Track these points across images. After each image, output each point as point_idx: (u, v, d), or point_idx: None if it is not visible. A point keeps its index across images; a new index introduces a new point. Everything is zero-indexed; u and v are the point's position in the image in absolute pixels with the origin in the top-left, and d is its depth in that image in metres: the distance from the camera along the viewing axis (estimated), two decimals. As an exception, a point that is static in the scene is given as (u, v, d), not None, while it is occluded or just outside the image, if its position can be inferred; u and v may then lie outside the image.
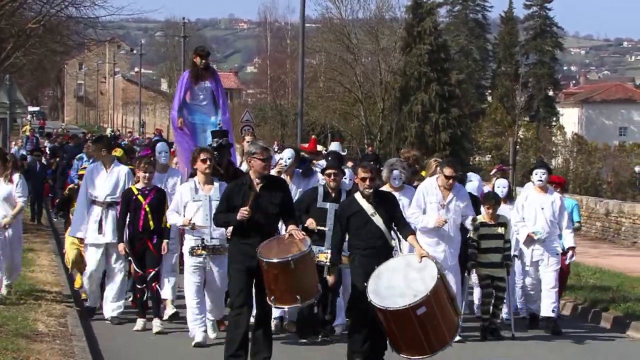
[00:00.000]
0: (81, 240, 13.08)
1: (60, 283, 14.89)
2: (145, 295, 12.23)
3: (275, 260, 9.67)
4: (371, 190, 10.43)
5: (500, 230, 12.77)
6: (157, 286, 12.18)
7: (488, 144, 66.06)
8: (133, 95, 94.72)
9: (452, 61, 67.54)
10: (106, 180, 12.76)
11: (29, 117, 69.55)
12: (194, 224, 11.34)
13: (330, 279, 10.91)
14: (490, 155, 64.06)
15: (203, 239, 11.30)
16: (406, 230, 10.53)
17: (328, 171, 11.96)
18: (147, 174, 12.22)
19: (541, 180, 13.15)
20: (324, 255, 11.39)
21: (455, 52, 78.05)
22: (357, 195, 10.51)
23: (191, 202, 11.46)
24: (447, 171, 12.10)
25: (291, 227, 10.12)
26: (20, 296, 13.36)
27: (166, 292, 12.53)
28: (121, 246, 12.27)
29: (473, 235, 12.61)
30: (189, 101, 14.62)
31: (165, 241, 12.16)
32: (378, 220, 10.32)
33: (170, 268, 12.61)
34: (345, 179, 12.32)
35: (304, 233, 10.31)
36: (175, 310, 12.59)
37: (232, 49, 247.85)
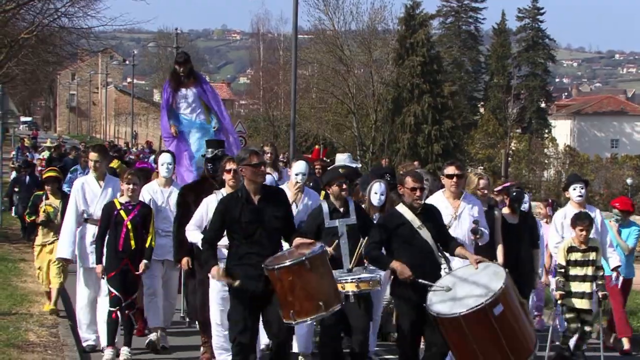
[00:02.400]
0: (67, 261, 12.00)
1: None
2: (119, 320, 10.77)
3: (288, 263, 8.39)
4: (422, 202, 9.52)
5: (592, 255, 11.33)
6: (129, 314, 10.77)
7: (480, 156, 66.24)
8: (125, 106, 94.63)
9: (445, 73, 67.75)
10: (102, 196, 11.38)
11: (20, 127, 69.42)
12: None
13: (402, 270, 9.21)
14: (482, 167, 64.15)
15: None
16: (454, 243, 9.47)
17: (338, 181, 10.33)
18: (130, 186, 10.84)
19: (581, 196, 11.98)
20: (348, 285, 9.50)
21: (447, 63, 78.24)
22: (401, 208, 9.47)
23: None
24: (450, 169, 10.82)
25: (297, 238, 8.81)
26: (11, 306, 13.33)
27: (156, 320, 11.40)
28: (99, 268, 10.77)
29: (561, 261, 11.32)
30: (175, 110, 13.69)
31: (144, 262, 10.77)
32: (425, 234, 9.33)
33: (166, 296, 11.61)
34: (376, 193, 11.02)
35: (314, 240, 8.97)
36: (162, 341, 11.43)
37: (224, 60, 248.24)
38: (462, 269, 9.25)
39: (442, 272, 9.32)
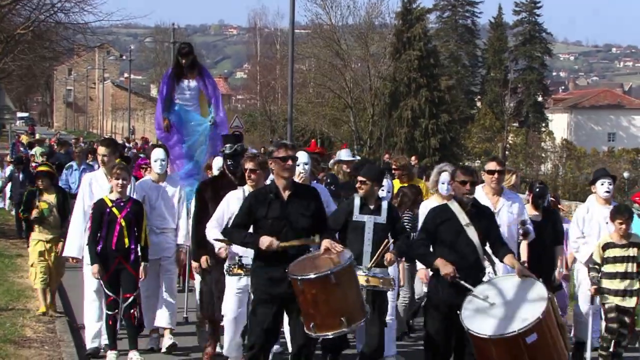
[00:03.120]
0: (76, 260, 11.21)
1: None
2: (118, 323, 10.42)
3: (312, 276, 7.93)
4: (472, 197, 9.00)
5: (633, 251, 10.66)
6: (135, 313, 10.35)
7: (477, 150, 66.25)
8: (122, 101, 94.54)
9: (442, 67, 67.75)
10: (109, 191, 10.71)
11: (16, 122, 69.24)
12: (227, 247, 9.66)
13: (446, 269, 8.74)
14: (479, 161, 64.19)
15: (240, 256, 9.33)
16: (504, 250, 8.95)
17: (359, 179, 9.90)
18: (119, 182, 10.35)
19: (608, 192, 11.32)
20: (363, 278, 9.17)
21: (444, 58, 78.24)
22: (451, 203, 9.01)
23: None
24: (491, 165, 10.43)
25: (325, 240, 8.34)
26: (8, 302, 13.31)
27: (163, 320, 11.02)
28: (95, 268, 10.27)
29: (597, 258, 10.70)
30: (175, 100, 13.39)
31: (143, 264, 10.38)
32: (472, 233, 8.82)
33: (168, 294, 11.14)
34: (382, 190, 10.52)
35: (343, 246, 8.55)
36: (173, 341, 11.08)
37: (221, 54, 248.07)
38: (504, 280, 8.79)
39: (486, 277, 8.89)
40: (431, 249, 8.98)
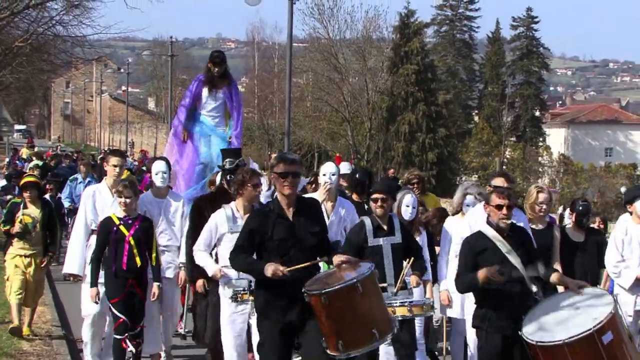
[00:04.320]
0: (76, 277, 10.67)
1: (44, 302, 14.79)
2: (128, 348, 9.82)
3: (337, 287, 7.23)
4: (509, 222, 8.38)
5: None
6: (135, 343, 9.82)
7: (475, 164, 66.25)
8: (120, 114, 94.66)
9: (439, 81, 67.79)
10: (114, 205, 10.19)
11: (14, 135, 69.19)
12: (220, 271, 9.21)
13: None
14: (476, 175, 64.18)
15: (250, 280, 8.65)
16: (548, 270, 8.43)
17: (375, 196, 9.23)
18: (123, 200, 9.79)
19: None
20: (399, 309, 8.62)
21: (442, 72, 78.28)
22: (486, 228, 8.42)
23: (228, 234, 9.20)
24: (498, 181, 10.08)
25: (337, 255, 7.68)
26: (4, 315, 13.20)
27: (156, 346, 10.39)
28: (94, 291, 9.77)
29: None
30: (198, 110, 12.81)
31: (156, 284, 9.86)
32: (515, 259, 8.21)
33: (169, 314, 10.67)
34: (408, 205, 10.04)
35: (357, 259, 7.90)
36: None
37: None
38: (559, 296, 8.33)
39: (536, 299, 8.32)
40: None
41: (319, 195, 10.11)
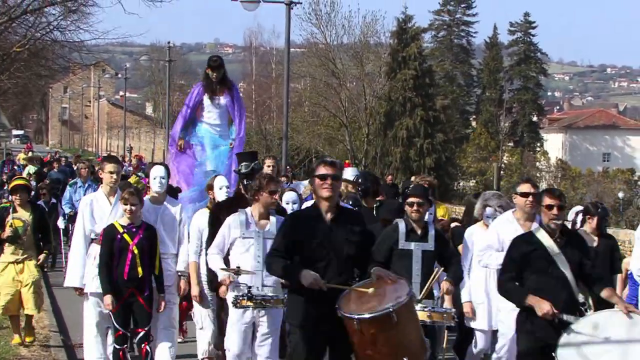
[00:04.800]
0: (79, 290, 10.17)
1: (42, 307, 14.77)
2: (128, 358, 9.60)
3: (370, 316, 6.96)
4: (560, 223, 8.07)
5: None
6: (147, 348, 9.54)
7: (472, 169, 66.31)
8: (118, 119, 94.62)
9: (437, 86, 67.83)
10: (112, 213, 9.98)
11: (12, 140, 69.02)
12: (238, 268, 8.88)
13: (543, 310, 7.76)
14: (474, 181, 64.28)
15: (250, 287, 8.65)
16: (600, 283, 8.00)
17: (411, 200, 8.91)
18: (128, 207, 9.49)
19: None
20: (419, 314, 8.18)
21: (439, 77, 78.34)
22: (537, 230, 8.12)
23: (240, 240, 9.05)
24: (525, 187, 9.47)
25: (377, 269, 7.43)
26: (2, 321, 13.15)
27: (163, 356, 9.91)
28: (109, 299, 9.43)
29: None
30: (199, 118, 12.54)
31: (161, 295, 9.62)
32: (563, 264, 7.88)
33: (167, 325, 10.04)
34: (431, 214, 9.65)
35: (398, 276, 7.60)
36: None
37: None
38: (606, 315, 7.83)
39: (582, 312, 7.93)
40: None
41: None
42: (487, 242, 9.50)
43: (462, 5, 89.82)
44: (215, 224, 9.60)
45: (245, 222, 9.04)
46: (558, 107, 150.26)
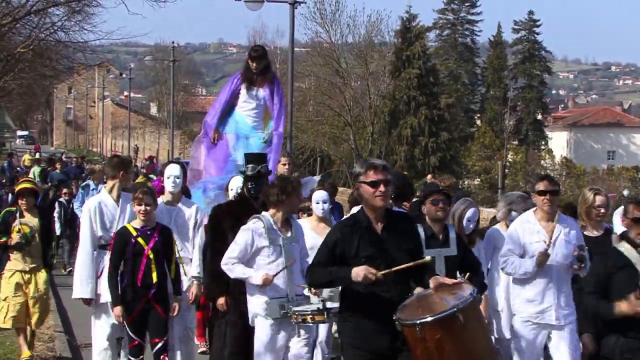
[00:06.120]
0: (88, 301, 9.56)
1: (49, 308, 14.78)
2: None
3: (434, 317, 6.21)
4: None
5: None
6: (166, 359, 9.01)
7: (477, 168, 66.17)
8: (122, 120, 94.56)
9: (441, 85, 67.79)
10: (120, 217, 9.45)
11: (16, 140, 69.06)
12: (273, 276, 8.23)
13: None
14: (479, 179, 64.17)
15: (324, 299, 8.01)
16: None
17: (435, 197, 8.35)
18: (143, 207, 8.92)
19: None
20: None
21: (444, 76, 78.30)
22: (622, 245, 7.50)
23: (267, 249, 8.34)
24: (542, 185, 8.78)
25: (434, 278, 6.66)
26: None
27: None
28: (118, 310, 8.89)
29: None
30: (236, 109, 11.87)
31: (177, 298, 9.05)
32: None
33: (182, 333, 9.52)
34: (469, 220, 9.07)
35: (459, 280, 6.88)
36: None
37: (221, 73, 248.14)
38: None
39: None
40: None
41: (310, 221, 9.70)
42: (508, 247, 8.88)
43: (466, 4, 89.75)
44: (216, 229, 9.01)
45: (271, 228, 8.35)
46: (562, 105, 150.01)
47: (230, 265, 8.33)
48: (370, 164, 6.72)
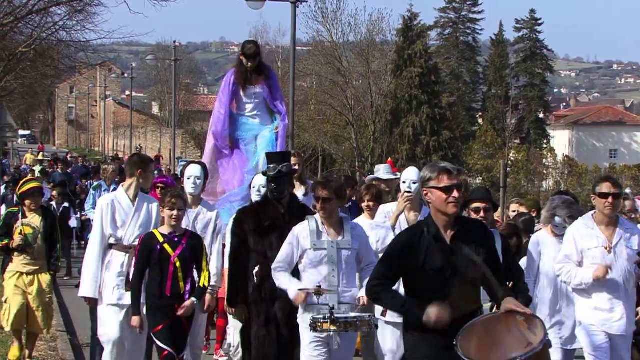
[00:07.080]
0: (92, 301, 9.16)
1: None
2: None
3: (514, 355, 5.67)
4: None
5: None
6: None
7: (479, 167, 66.20)
8: (124, 119, 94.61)
9: (443, 84, 67.86)
10: (134, 217, 8.99)
11: (18, 140, 69.07)
12: (319, 286, 7.66)
13: None
14: (481, 178, 64.18)
15: (333, 307, 7.49)
16: None
17: (476, 205, 8.00)
18: (175, 212, 8.45)
19: None
20: None
21: (446, 74, 78.35)
22: None
23: (311, 252, 7.85)
24: (605, 187, 8.21)
25: (508, 299, 6.02)
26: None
27: None
28: (137, 320, 8.52)
29: None
30: (236, 112, 11.41)
31: (191, 300, 8.51)
32: None
33: (195, 346, 9.20)
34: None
35: (532, 313, 6.12)
36: None
37: (223, 72, 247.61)
38: None
39: None
40: None
41: (397, 205, 8.87)
42: (564, 252, 8.38)
43: (468, 3, 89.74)
44: (238, 232, 8.56)
45: (316, 231, 7.88)
46: (564, 104, 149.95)
47: (276, 272, 7.98)
48: (442, 168, 6.21)
